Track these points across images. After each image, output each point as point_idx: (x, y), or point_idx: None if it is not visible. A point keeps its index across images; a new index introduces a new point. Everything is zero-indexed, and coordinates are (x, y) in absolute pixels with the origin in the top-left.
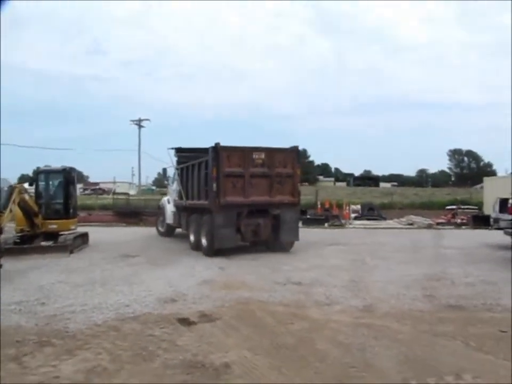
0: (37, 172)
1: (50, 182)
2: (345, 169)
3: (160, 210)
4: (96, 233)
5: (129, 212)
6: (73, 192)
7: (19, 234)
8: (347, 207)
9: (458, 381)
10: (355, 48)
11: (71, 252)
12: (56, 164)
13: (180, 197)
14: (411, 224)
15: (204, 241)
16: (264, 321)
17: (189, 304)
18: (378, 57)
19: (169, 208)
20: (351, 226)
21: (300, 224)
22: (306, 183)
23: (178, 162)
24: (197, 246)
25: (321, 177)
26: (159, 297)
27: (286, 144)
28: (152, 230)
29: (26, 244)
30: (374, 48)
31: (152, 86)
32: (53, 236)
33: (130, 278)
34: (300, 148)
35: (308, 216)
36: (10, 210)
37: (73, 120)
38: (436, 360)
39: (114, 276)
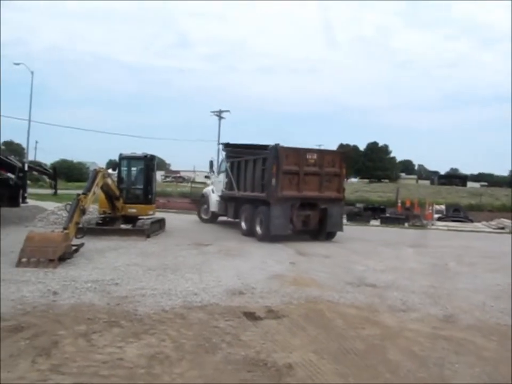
0: (120, 158)
1: (133, 168)
2: (429, 167)
3: (204, 199)
4: (173, 220)
5: None
6: (153, 179)
7: (101, 215)
8: (430, 207)
9: None
10: (444, 40)
11: (148, 236)
12: (142, 151)
13: (229, 188)
14: (502, 228)
15: (258, 228)
16: (333, 323)
17: (256, 298)
18: (469, 49)
19: (214, 197)
20: (433, 227)
21: (378, 222)
22: (387, 180)
23: (227, 156)
24: (248, 233)
25: (403, 175)
26: (227, 288)
27: (366, 139)
28: (226, 220)
29: (107, 225)
30: (464, 40)
31: (233, 79)
32: (132, 219)
33: (201, 267)
34: (381, 143)
35: (387, 215)
36: (94, 193)
37: (159, 109)
38: None
39: (186, 263)
